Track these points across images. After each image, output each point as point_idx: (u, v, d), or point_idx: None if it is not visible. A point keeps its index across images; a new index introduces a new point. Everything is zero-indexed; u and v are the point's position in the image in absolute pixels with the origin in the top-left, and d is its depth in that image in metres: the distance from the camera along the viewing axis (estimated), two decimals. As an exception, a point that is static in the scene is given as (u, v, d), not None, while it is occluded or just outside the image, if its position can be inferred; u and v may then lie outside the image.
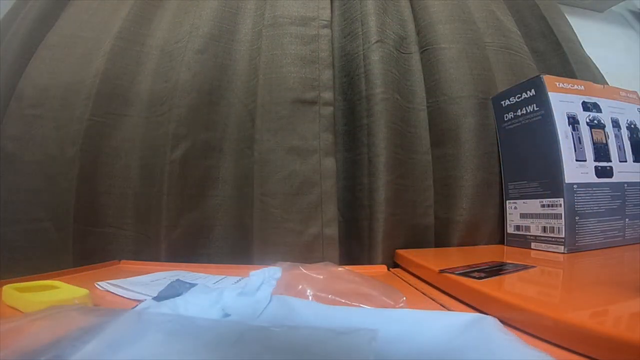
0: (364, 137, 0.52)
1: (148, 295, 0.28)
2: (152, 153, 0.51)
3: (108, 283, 0.33)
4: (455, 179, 0.51)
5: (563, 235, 0.40)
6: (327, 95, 0.51)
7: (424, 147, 0.55)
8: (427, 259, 0.43)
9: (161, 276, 0.38)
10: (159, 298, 0.25)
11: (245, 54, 0.56)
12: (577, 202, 0.40)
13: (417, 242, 0.52)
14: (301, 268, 0.35)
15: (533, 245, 0.44)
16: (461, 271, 0.34)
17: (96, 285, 0.33)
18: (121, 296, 0.30)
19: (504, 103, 0.49)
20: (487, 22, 0.59)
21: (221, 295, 0.26)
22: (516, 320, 0.23)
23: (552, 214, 0.41)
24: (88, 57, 0.54)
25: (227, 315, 0.24)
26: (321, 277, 0.34)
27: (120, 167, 0.51)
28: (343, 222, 0.52)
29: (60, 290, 0.27)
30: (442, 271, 0.34)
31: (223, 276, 0.38)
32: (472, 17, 0.58)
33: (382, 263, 0.47)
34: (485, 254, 0.45)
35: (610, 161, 0.44)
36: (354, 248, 0.51)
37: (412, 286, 0.37)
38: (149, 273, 0.40)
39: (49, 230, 0.47)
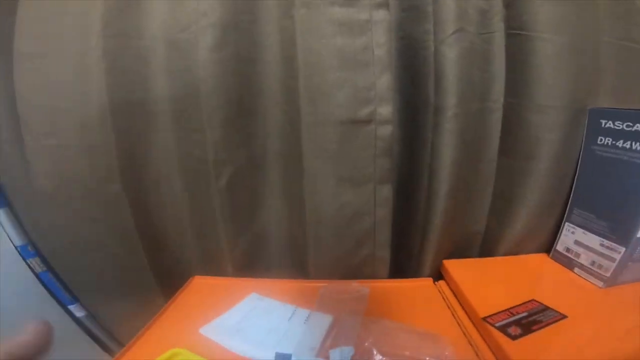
0: (425, 155, 0.53)
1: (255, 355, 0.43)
2: (193, 177, 0.56)
3: (209, 329, 0.48)
4: (519, 196, 0.55)
5: (609, 275, 0.48)
6: (385, 110, 0.49)
7: (490, 154, 0.55)
8: (471, 286, 0.53)
9: (245, 310, 0.52)
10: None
11: (274, 44, 0.51)
12: (637, 252, 0.46)
13: (462, 248, 0.61)
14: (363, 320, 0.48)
15: (576, 270, 0.53)
16: (500, 322, 0.46)
17: (201, 332, 0.48)
18: (228, 349, 0.45)
19: (605, 123, 0.46)
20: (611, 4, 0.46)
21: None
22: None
23: (607, 255, 0.48)
24: (79, 67, 0.50)
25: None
26: (378, 326, 0.48)
27: (166, 194, 0.57)
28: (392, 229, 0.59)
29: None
30: (484, 319, 0.46)
31: (294, 308, 0.52)
32: None
33: (429, 274, 0.59)
34: (528, 276, 0.55)
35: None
36: (401, 257, 0.61)
37: (455, 318, 0.50)
38: (223, 291, 0.56)
39: (120, 254, 0.58)
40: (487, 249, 0.61)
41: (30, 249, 0.63)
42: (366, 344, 0.45)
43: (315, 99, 0.49)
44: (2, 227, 0.60)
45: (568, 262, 0.55)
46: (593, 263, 0.51)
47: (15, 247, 0.61)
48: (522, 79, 0.49)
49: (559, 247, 0.56)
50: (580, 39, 0.46)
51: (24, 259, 0.62)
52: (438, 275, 0.60)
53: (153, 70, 0.51)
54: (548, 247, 0.59)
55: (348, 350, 0.42)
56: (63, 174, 0.53)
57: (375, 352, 0.44)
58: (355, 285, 0.56)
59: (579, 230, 0.52)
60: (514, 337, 0.43)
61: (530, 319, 0.46)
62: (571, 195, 0.54)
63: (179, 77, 0.51)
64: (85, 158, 0.52)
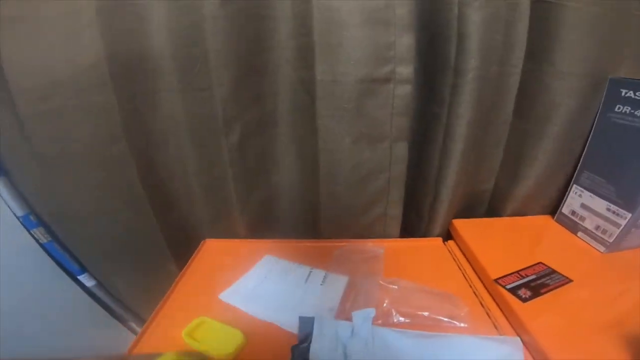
0: (442, 115, 0.52)
1: (276, 319, 0.45)
2: (202, 136, 0.54)
3: (228, 295, 0.49)
4: (530, 157, 0.56)
5: (612, 241, 0.51)
6: (405, 70, 0.47)
7: (505, 115, 0.55)
8: (481, 247, 0.55)
9: (261, 273, 0.54)
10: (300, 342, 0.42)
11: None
12: (641, 217, 0.48)
13: (470, 206, 0.63)
14: (380, 281, 0.50)
15: (579, 234, 0.56)
16: (511, 284, 0.48)
17: (220, 299, 0.49)
18: (251, 315, 0.47)
19: (625, 93, 0.46)
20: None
21: (338, 337, 0.42)
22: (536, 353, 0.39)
23: (613, 220, 0.50)
24: (70, 27, 0.45)
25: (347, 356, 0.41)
26: (395, 287, 0.50)
27: (174, 153, 0.55)
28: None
29: (219, 332, 0.43)
30: (495, 281, 0.49)
31: (309, 269, 0.54)
32: None
33: (439, 234, 0.61)
34: (533, 238, 0.58)
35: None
36: (411, 216, 0.63)
37: (466, 278, 0.52)
38: (236, 253, 0.57)
39: (127, 218, 0.57)
40: (494, 207, 0.64)
41: (33, 218, 0.61)
42: (385, 304, 0.48)
43: (331, 57, 0.47)
44: (1, 197, 0.58)
45: (572, 226, 0.57)
46: (597, 227, 0.53)
47: (17, 218, 0.60)
48: (545, 45, 0.48)
49: (565, 209, 0.58)
50: (610, 9, 0.45)
51: (27, 230, 0.61)
52: (446, 234, 0.62)
53: (153, 28, 0.47)
54: (552, 210, 0.61)
55: (370, 312, 0.44)
56: (64, 137, 0.50)
57: (394, 313, 0.47)
58: (369, 245, 0.58)
59: (587, 194, 0.54)
60: (524, 300, 0.46)
61: (539, 282, 0.48)
62: (582, 158, 0.55)
63: (182, 34, 0.48)
64: (86, 120, 0.50)
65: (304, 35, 0.48)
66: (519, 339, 0.42)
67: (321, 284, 0.51)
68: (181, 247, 0.60)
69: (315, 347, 0.41)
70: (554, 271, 0.50)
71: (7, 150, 0.55)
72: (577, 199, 0.56)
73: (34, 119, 0.49)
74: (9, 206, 0.59)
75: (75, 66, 0.47)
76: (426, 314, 0.46)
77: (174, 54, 0.49)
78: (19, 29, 0.46)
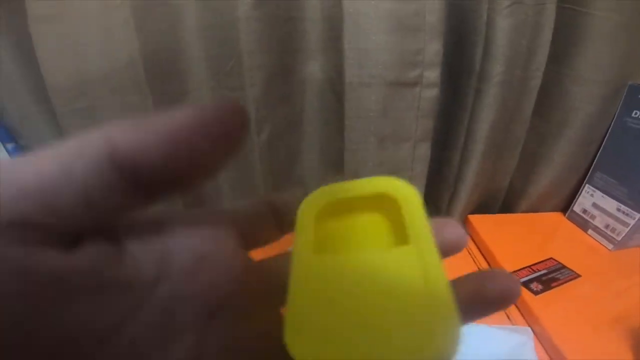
0: (464, 117, 0.54)
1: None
2: None
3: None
4: (547, 158, 0.58)
5: (620, 239, 0.54)
6: (433, 74, 0.49)
7: (524, 116, 0.57)
8: (495, 242, 0.58)
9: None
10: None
11: (316, 3, 0.49)
12: (650, 218, 0.52)
13: (485, 203, 0.66)
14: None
15: (590, 232, 0.59)
16: (524, 278, 0.52)
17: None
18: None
19: (643, 99, 0.48)
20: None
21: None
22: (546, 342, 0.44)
23: (622, 220, 0.53)
24: (104, 27, 0.46)
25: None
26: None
27: None
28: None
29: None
30: (508, 275, 0.53)
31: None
32: None
33: (453, 229, 0.64)
34: (545, 234, 0.62)
35: None
36: (428, 212, 0.65)
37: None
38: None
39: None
40: (508, 205, 0.67)
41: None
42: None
43: (360, 60, 0.48)
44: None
45: (583, 223, 0.60)
46: (607, 226, 0.56)
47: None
48: (568, 50, 0.50)
49: (576, 208, 0.62)
50: (632, 17, 0.46)
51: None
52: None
53: (187, 28, 0.49)
54: (564, 207, 0.64)
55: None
56: None
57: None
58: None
59: (599, 193, 0.57)
60: (536, 293, 0.49)
61: (550, 276, 0.52)
62: (596, 160, 0.57)
63: (215, 35, 0.49)
64: (120, 118, 0.51)
65: (333, 38, 0.49)
66: (529, 329, 0.46)
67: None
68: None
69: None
70: (564, 266, 0.54)
71: (38, 147, 0.57)
72: (589, 198, 0.59)
73: (68, 116, 0.51)
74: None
75: (110, 65, 0.48)
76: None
77: (207, 55, 0.50)
78: (54, 27, 0.46)
